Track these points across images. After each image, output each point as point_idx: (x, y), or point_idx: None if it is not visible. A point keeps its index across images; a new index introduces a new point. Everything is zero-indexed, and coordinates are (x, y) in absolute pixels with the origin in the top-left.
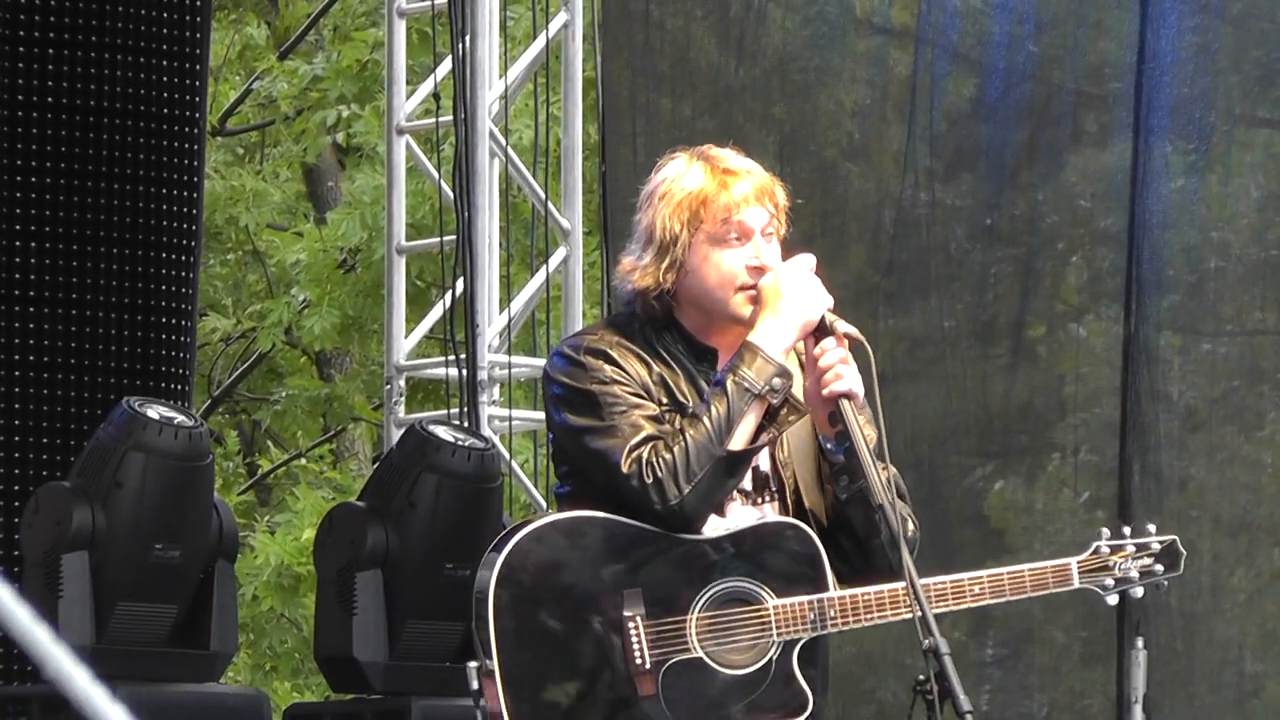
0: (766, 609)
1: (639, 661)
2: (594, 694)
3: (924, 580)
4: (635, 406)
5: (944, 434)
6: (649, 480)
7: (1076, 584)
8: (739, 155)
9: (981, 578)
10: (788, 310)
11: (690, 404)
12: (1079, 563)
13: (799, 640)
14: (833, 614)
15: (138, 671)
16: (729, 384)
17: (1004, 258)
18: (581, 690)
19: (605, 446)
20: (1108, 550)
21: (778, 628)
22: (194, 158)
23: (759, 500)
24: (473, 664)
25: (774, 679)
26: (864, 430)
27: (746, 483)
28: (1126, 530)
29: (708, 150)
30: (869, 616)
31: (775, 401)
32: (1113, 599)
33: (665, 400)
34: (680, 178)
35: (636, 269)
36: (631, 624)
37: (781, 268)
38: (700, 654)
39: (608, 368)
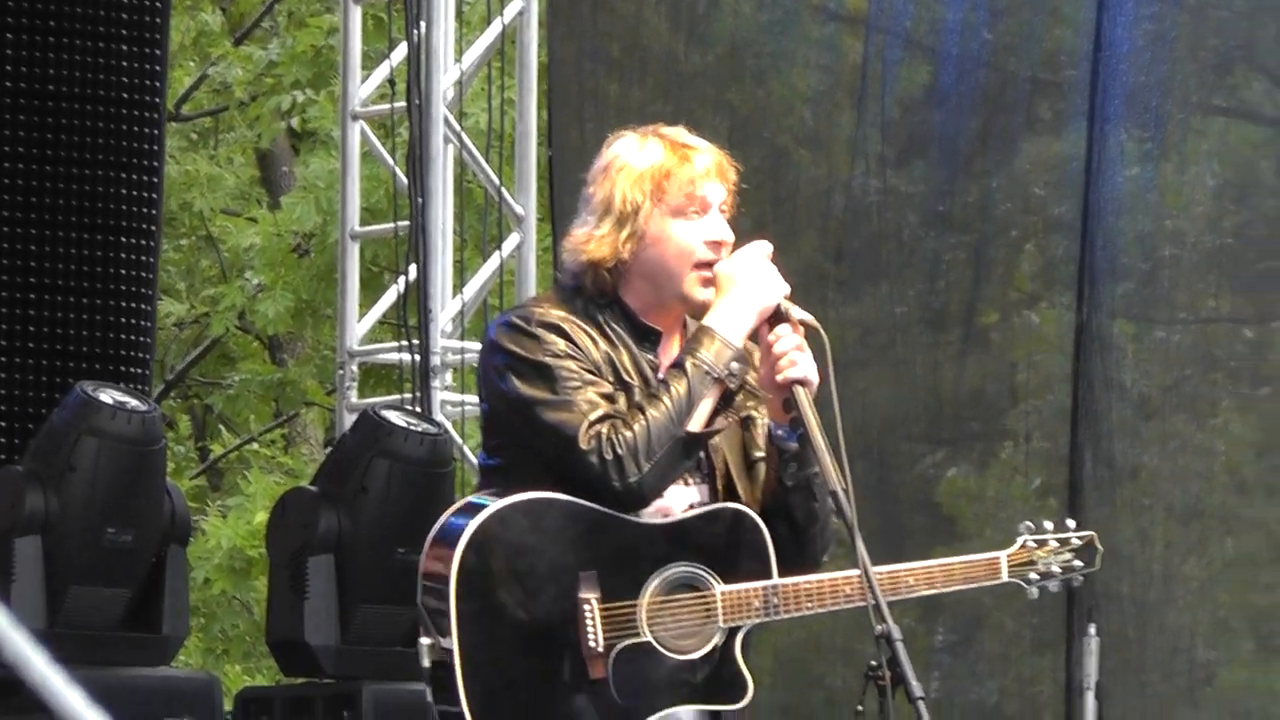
0: (713, 595)
1: (592, 644)
2: (548, 675)
3: (858, 571)
4: (590, 383)
5: (895, 421)
6: (609, 457)
7: (1005, 577)
8: (691, 133)
9: (915, 569)
10: (744, 296)
11: (634, 384)
12: (1008, 556)
13: (743, 627)
14: (777, 601)
15: (90, 655)
16: (689, 366)
17: (957, 245)
18: (536, 671)
19: (560, 420)
20: (1033, 545)
21: (724, 614)
22: (154, 142)
23: (689, 482)
24: (425, 640)
25: (717, 665)
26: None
27: None
28: (1048, 525)
29: (659, 128)
30: (811, 605)
31: (733, 386)
32: (1034, 593)
33: (611, 379)
34: (638, 152)
35: (593, 239)
36: (586, 606)
37: (738, 253)
38: (649, 638)
39: (561, 342)
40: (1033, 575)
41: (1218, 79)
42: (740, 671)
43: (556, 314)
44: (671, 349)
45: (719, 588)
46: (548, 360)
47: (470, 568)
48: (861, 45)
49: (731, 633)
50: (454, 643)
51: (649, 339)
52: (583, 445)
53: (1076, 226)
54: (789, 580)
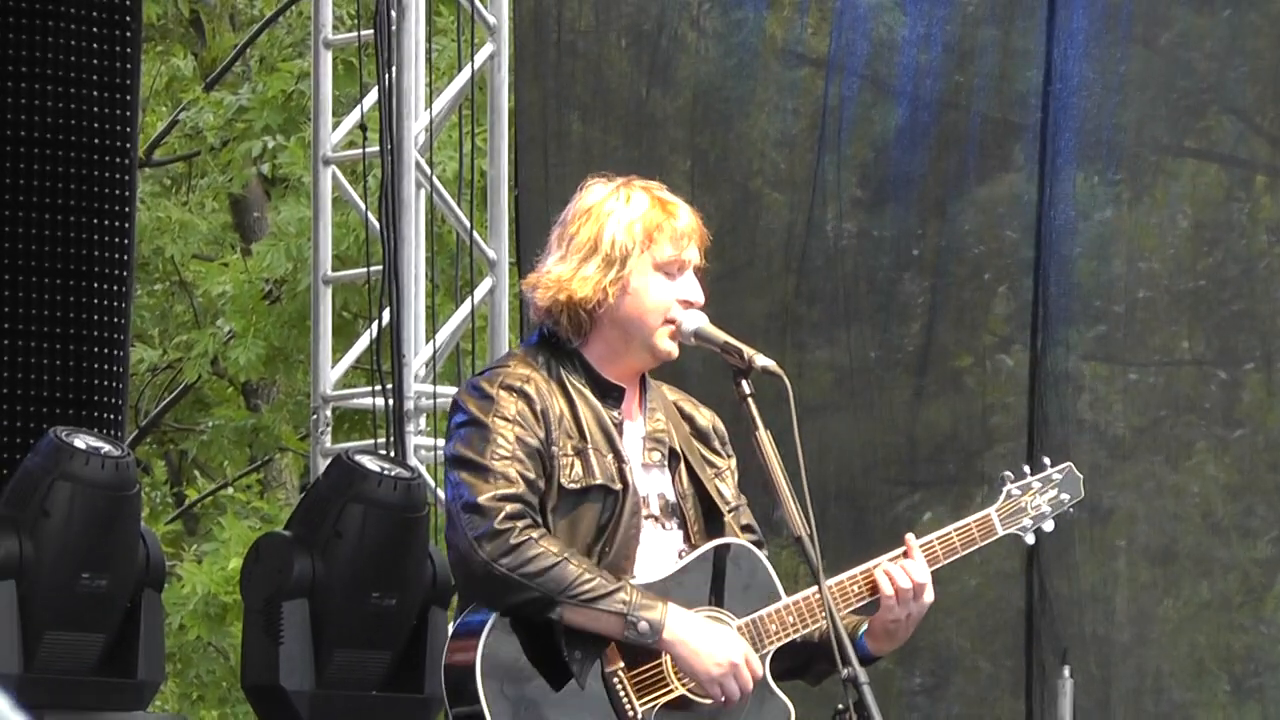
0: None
1: (631, 714)
2: None
3: (865, 565)
4: (518, 460)
5: (871, 464)
6: (504, 528)
7: (1000, 531)
8: (664, 188)
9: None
10: (695, 662)
11: (591, 438)
12: (997, 510)
13: (768, 654)
14: (793, 619)
15: (65, 701)
16: (623, 594)
17: (930, 287)
18: None
19: (468, 480)
20: (1018, 492)
21: (753, 646)
22: (126, 188)
23: (666, 525)
24: None
25: (756, 697)
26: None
27: (655, 508)
28: (1026, 469)
29: (634, 180)
30: (815, 620)
31: (618, 637)
32: (1030, 538)
33: (574, 434)
34: (625, 203)
35: (576, 277)
36: (615, 678)
37: (733, 647)
38: (683, 691)
39: (514, 406)
40: (1025, 522)
41: (1189, 121)
42: (778, 696)
43: (521, 372)
44: (631, 408)
45: (734, 622)
46: (490, 422)
47: (492, 674)
48: (832, 88)
49: (759, 661)
50: None
51: (612, 396)
52: (483, 501)
53: (1048, 267)
54: (799, 595)
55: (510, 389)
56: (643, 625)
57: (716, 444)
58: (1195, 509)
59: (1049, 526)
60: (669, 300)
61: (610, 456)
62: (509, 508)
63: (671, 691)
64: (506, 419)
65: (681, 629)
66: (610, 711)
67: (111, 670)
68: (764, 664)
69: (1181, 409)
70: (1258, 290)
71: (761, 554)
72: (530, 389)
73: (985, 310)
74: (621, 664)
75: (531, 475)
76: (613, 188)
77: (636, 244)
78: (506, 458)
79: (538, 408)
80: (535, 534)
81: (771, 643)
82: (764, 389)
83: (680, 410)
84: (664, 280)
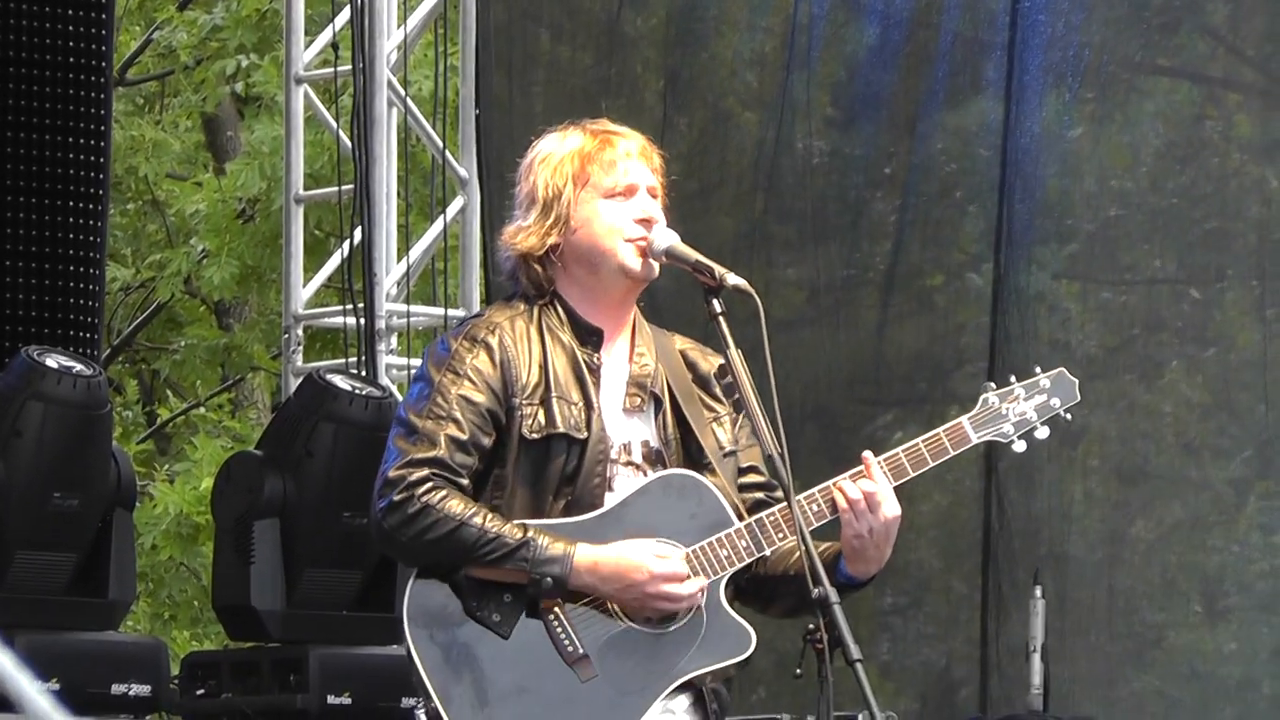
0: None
1: (571, 649)
2: (540, 694)
3: (823, 484)
4: (454, 420)
5: (843, 382)
6: (402, 497)
7: (975, 439)
8: (614, 124)
9: (881, 464)
10: (612, 586)
11: (556, 389)
12: (971, 419)
13: (721, 580)
14: (747, 542)
15: (37, 620)
16: (528, 543)
17: (901, 206)
18: (527, 694)
19: (398, 446)
20: (996, 401)
21: (695, 575)
22: (101, 107)
23: (648, 473)
24: (420, 711)
25: (710, 624)
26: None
27: (637, 456)
28: (1012, 378)
29: (581, 121)
30: (782, 535)
31: (530, 589)
32: (1020, 445)
33: (541, 382)
34: (559, 143)
35: (520, 232)
36: (551, 615)
37: (653, 566)
38: (628, 623)
39: (472, 358)
40: (1007, 428)
41: (1162, 39)
42: (735, 622)
43: (494, 320)
44: (615, 350)
45: (682, 551)
46: (437, 378)
47: (420, 621)
48: (806, 6)
49: (712, 588)
50: (436, 699)
51: (591, 340)
52: (392, 473)
53: (1014, 185)
54: (753, 519)
55: (474, 340)
56: (546, 582)
57: (717, 390)
58: (1168, 428)
59: (1042, 433)
60: (623, 220)
61: (579, 405)
62: (414, 475)
63: (616, 624)
64: (457, 374)
65: (588, 570)
66: (550, 650)
67: (82, 590)
68: (720, 590)
69: (1154, 328)
70: (1230, 208)
71: (709, 481)
72: (494, 339)
73: (956, 229)
74: (558, 599)
75: (464, 436)
76: (551, 135)
77: (568, 180)
78: (441, 417)
79: (498, 358)
80: (436, 498)
81: (725, 568)
82: (735, 307)
83: (685, 357)
84: (611, 203)
